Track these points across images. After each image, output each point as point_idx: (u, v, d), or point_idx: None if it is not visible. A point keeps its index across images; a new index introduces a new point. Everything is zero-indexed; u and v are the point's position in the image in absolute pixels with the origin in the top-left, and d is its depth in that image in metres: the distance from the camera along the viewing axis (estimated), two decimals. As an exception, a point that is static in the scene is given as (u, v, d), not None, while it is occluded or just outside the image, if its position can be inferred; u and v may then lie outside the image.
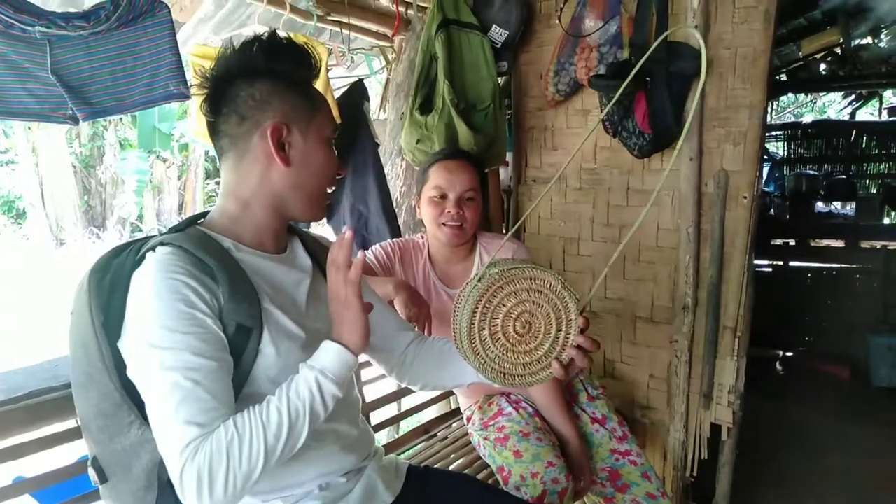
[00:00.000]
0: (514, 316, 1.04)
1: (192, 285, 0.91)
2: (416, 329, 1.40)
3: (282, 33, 1.09)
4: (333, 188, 1.11)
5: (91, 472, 1.02)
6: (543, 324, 1.04)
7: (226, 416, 0.88)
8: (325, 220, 2.51)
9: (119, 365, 0.95)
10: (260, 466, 0.87)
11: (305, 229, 1.41)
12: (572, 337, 1.04)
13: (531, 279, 1.04)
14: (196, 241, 0.97)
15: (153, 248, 0.96)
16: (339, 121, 2.11)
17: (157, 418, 0.88)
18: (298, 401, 0.91)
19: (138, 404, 0.95)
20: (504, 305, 1.05)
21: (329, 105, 1.10)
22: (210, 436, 0.85)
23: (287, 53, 1.05)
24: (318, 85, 2.05)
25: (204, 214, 1.10)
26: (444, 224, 1.73)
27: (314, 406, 0.92)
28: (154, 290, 0.90)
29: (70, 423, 1.25)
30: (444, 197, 1.73)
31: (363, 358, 1.89)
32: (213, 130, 1.06)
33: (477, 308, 1.05)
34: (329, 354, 0.96)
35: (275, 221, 1.08)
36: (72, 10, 1.76)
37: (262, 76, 1.03)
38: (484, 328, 1.05)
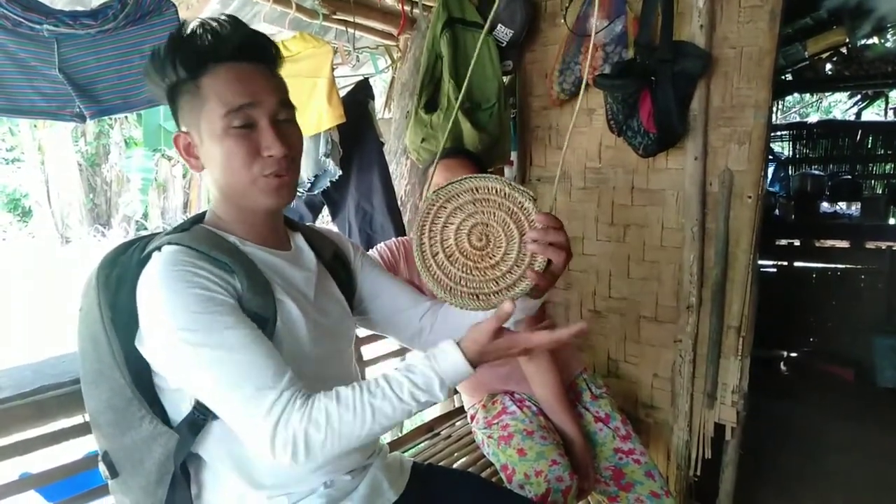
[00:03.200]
0: (465, 231, 0.99)
1: (204, 273, 0.91)
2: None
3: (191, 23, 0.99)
4: (278, 171, 0.99)
5: (102, 467, 1.03)
6: (503, 231, 0.97)
7: (293, 378, 0.90)
8: (330, 217, 2.52)
9: (129, 360, 0.95)
10: (355, 444, 0.90)
11: (310, 224, 1.41)
12: (537, 236, 0.96)
13: (473, 190, 0.98)
14: (204, 239, 0.98)
15: (159, 248, 0.96)
16: (343, 119, 2.12)
17: (221, 397, 0.89)
18: (412, 401, 0.92)
19: (149, 399, 0.96)
20: (451, 223, 0.99)
21: (220, 89, 0.96)
22: (310, 401, 0.88)
23: (166, 59, 0.97)
24: (324, 84, 2.07)
25: (205, 214, 1.11)
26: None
27: (422, 407, 0.94)
28: (166, 286, 0.89)
29: (77, 419, 1.25)
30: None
31: (369, 344, 1.91)
32: None
33: (423, 233, 1.00)
34: (457, 369, 0.94)
35: (254, 215, 1.06)
36: (79, 8, 1.77)
37: (170, 92, 1.02)
38: (437, 251, 1.00)
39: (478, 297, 0.99)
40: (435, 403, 0.96)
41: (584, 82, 1.42)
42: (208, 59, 0.97)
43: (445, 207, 0.99)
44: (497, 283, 0.98)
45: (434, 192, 1.01)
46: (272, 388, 0.87)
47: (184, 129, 1.02)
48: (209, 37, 0.96)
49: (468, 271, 0.99)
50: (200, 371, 0.88)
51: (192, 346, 0.87)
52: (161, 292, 0.89)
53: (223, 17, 0.99)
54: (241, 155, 0.97)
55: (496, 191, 0.97)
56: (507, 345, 0.96)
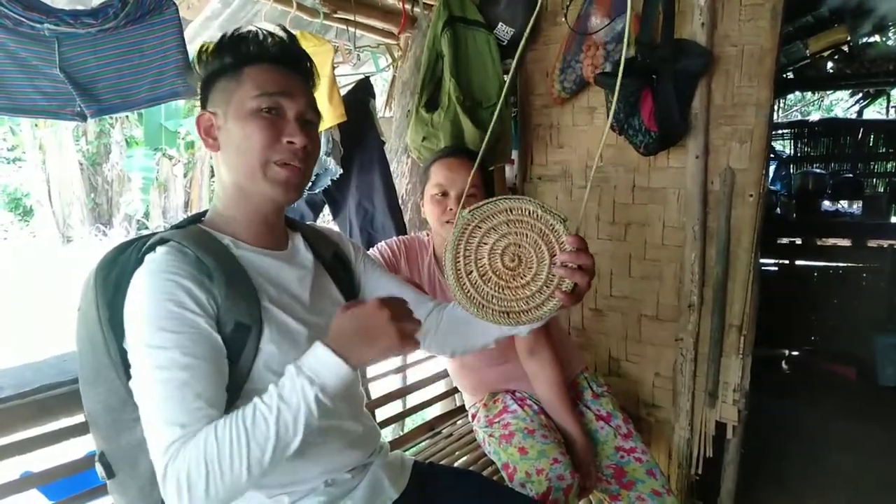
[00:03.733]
0: (499, 251, 1.01)
1: (185, 286, 0.92)
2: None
3: (252, 26, 1.09)
4: (291, 162, 1.02)
5: (98, 467, 1.03)
6: (534, 252, 1.00)
7: (211, 418, 0.87)
8: (331, 216, 2.52)
9: (126, 361, 0.95)
10: (244, 476, 0.83)
11: (310, 223, 1.41)
12: (567, 258, 0.98)
13: (507, 210, 1.01)
14: (195, 240, 0.98)
15: (153, 248, 0.97)
16: (344, 118, 2.11)
17: (144, 417, 0.89)
18: (290, 415, 0.86)
19: None
20: (486, 243, 1.02)
21: (261, 77, 1.02)
22: (190, 440, 0.84)
23: (217, 50, 1.05)
24: (324, 83, 2.07)
25: (205, 213, 1.11)
26: (446, 222, 1.73)
27: (308, 421, 0.87)
28: (147, 291, 0.91)
29: (77, 418, 1.25)
30: (445, 194, 1.73)
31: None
32: None
33: (458, 252, 1.02)
34: (331, 370, 0.89)
35: (256, 214, 1.07)
36: (80, 7, 1.77)
37: (207, 81, 1.07)
38: (472, 270, 1.02)
39: (508, 314, 1.02)
40: (324, 413, 0.88)
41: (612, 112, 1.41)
42: (255, 56, 1.04)
43: (480, 227, 1.02)
44: (527, 302, 1.02)
45: (470, 211, 1.03)
46: (181, 427, 0.85)
47: (210, 109, 1.05)
48: (260, 40, 1.04)
49: (500, 290, 1.02)
50: (142, 384, 0.89)
51: (146, 359, 0.88)
52: (141, 300, 0.91)
53: (279, 29, 1.08)
54: (261, 137, 1.00)
55: (529, 212, 1.00)
56: (357, 313, 0.92)
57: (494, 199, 1.03)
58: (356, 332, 0.91)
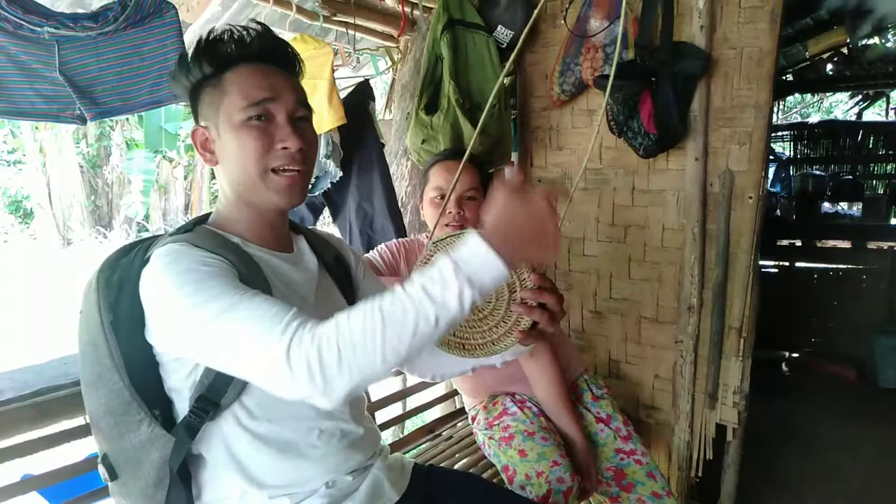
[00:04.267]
0: None
1: (203, 253, 0.93)
2: None
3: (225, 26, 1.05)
4: (290, 166, 1.01)
5: (101, 469, 1.03)
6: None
7: (295, 308, 0.85)
8: (331, 219, 2.52)
9: (129, 363, 0.96)
10: (378, 363, 0.79)
11: (312, 227, 1.42)
12: (527, 296, 0.95)
13: None
14: (207, 240, 0.99)
15: (160, 248, 0.96)
16: (344, 121, 2.12)
17: (237, 357, 0.85)
18: (439, 312, 0.79)
19: (148, 402, 0.97)
20: None
21: (243, 83, 1.00)
22: (315, 324, 0.82)
23: (193, 60, 1.02)
24: (324, 86, 2.07)
25: (207, 216, 1.11)
26: (445, 224, 1.73)
27: (455, 319, 0.81)
28: (169, 269, 0.90)
29: (78, 421, 1.26)
30: (444, 197, 1.73)
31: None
32: None
33: None
34: (490, 270, 0.80)
35: (261, 218, 1.08)
36: (80, 11, 1.78)
37: (194, 91, 1.05)
38: None
39: (464, 346, 1.01)
40: (464, 306, 0.80)
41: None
42: (234, 58, 1.01)
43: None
44: (483, 335, 1.00)
45: (434, 242, 1.03)
46: (279, 322, 0.82)
47: (202, 123, 1.04)
48: (236, 39, 1.01)
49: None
50: (215, 339, 0.86)
51: (204, 316, 0.85)
52: (167, 278, 0.90)
53: (252, 23, 1.04)
54: (255, 146, 0.98)
55: None
56: (527, 205, 0.83)
57: (460, 232, 1.02)
58: (521, 228, 0.82)
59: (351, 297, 1.25)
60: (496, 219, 0.83)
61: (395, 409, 2.13)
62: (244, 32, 1.01)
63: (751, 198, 2.02)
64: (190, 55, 1.02)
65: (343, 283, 1.23)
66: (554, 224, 0.82)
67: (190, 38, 2.24)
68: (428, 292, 0.79)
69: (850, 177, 5.76)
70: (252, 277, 0.96)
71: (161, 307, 0.92)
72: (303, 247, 1.18)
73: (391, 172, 2.36)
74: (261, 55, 1.03)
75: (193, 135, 1.05)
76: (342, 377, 0.79)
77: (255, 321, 0.83)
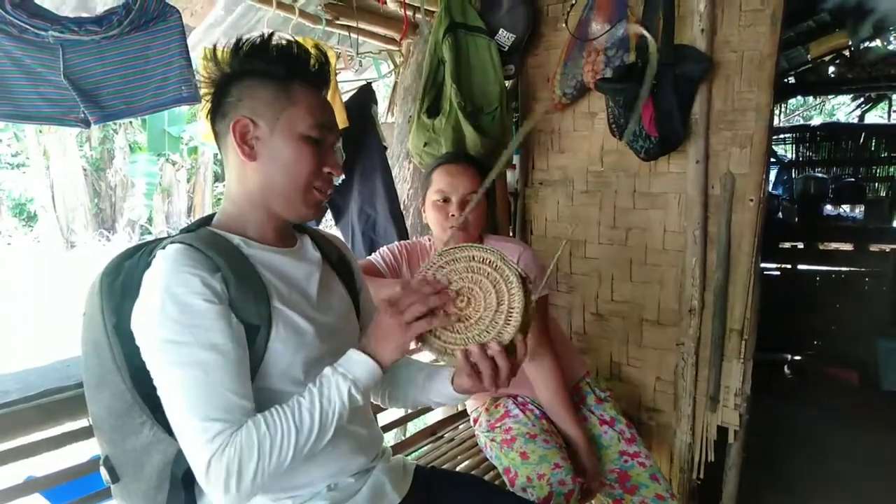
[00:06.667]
0: (452, 292, 1.03)
1: (202, 276, 0.92)
2: None
3: (285, 35, 1.10)
4: (326, 190, 1.09)
5: (103, 472, 1.04)
6: (483, 298, 1.01)
7: (246, 409, 0.91)
8: (333, 222, 2.53)
9: (131, 366, 0.96)
10: (287, 464, 0.91)
11: (314, 227, 1.43)
12: (515, 311, 0.98)
13: (470, 258, 1.04)
14: (206, 241, 0.99)
15: (163, 248, 0.97)
16: (346, 124, 2.13)
17: (176, 414, 0.90)
18: (329, 408, 0.95)
19: (150, 405, 0.96)
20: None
21: (312, 102, 1.06)
22: (239, 431, 0.88)
23: (262, 51, 1.04)
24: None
25: (213, 216, 1.12)
26: (448, 227, 1.74)
27: (342, 413, 0.96)
28: (164, 285, 0.91)
29: (82, 423, 1.26)
30: (446, 200, 1.74)
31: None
32: (213, 132, 1.10)
33: None
34: (361, 366, 0.98)
35: (271, 219, 1.09)
36: (84, 14, 1.79)
37: (241, 76, 1.05)
38: None
39: (446, 352, 1.03)
40: (355, 405, 0.97)
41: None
42: (301, 74, 1.06)
43: (443, 268, 1.06)
44: (466, 343, 1.01)
45: (440, 252, 1.08)
46: (222, 422, 0.88)
47: (247, 114, 1.03)
48: (306, 55, 1.06)
49: (445, 328, 1.03)
50: (168, 382, 0.90)
51: (171, 356, 0.89)
52: (159, 295, 0.90)
53: (316, 48, 1.11)
54: (311, 161, 1.05)
55: (490, 262, 1.03)
56: (376, 318, 1.02)
57: (464, 245, 1.07)
58: (373, 335, 1.00)
59: (355, 294, 1.26)
60: (367, 333, 1.03)
61: (397, 411, 2.13)
62: (313, 54, 1.08)
63: (752, 200, 2.02)
64: (254, 45, 1.04)
65: (346, 280, 1.24)
66: (393, 322, 0.99)
67: (193, 42, 2.25)
68: (319, 391, 0.95)
69: (852, 179, 5.75)
70: (243, 283, 0.97)
71: (142, 320, 0.93)
72: (306, 242, 1.20)
73: (393, 175, 2.37)
74: (318, 82, 1.10)
75: (235, 124, 1.02)
76: (255, 484, 0.89)
77: (204, 405, 0.88)
